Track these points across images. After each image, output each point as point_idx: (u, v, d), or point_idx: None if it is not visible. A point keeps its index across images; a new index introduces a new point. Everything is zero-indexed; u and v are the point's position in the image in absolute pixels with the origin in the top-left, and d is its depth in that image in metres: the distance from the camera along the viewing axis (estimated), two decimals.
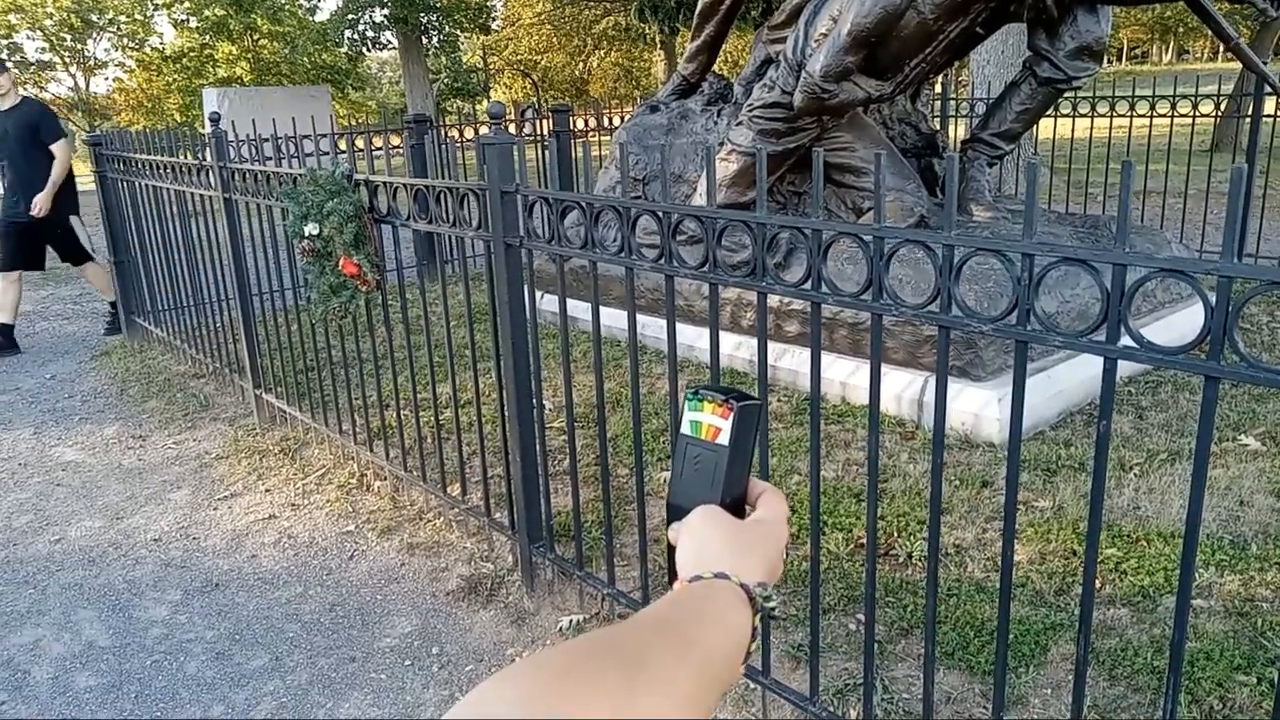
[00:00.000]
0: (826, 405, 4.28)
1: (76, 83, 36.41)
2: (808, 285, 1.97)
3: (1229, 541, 3.00)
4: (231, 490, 3.99)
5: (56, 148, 6.38)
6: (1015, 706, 2.34)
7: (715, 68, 6.22)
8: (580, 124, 8.59)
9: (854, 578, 2.92)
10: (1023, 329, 1.64)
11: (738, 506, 0.79)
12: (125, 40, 34.38)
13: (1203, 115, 6.65)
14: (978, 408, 3.87)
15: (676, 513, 0.78)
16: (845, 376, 4.33)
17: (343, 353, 3.81)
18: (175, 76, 31.60)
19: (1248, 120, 6.58)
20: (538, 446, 2.96)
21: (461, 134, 8.39)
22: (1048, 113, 5.45)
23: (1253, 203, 6.09)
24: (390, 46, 28.15)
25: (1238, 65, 5.88)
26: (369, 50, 29.55)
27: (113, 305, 6.89)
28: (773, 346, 4.46)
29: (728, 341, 4.70)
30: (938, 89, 7.61)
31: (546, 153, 8.02)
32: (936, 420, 1.82)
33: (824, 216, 1.96)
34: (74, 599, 3.21)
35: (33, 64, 33.55)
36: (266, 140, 4.35)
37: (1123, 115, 6.76)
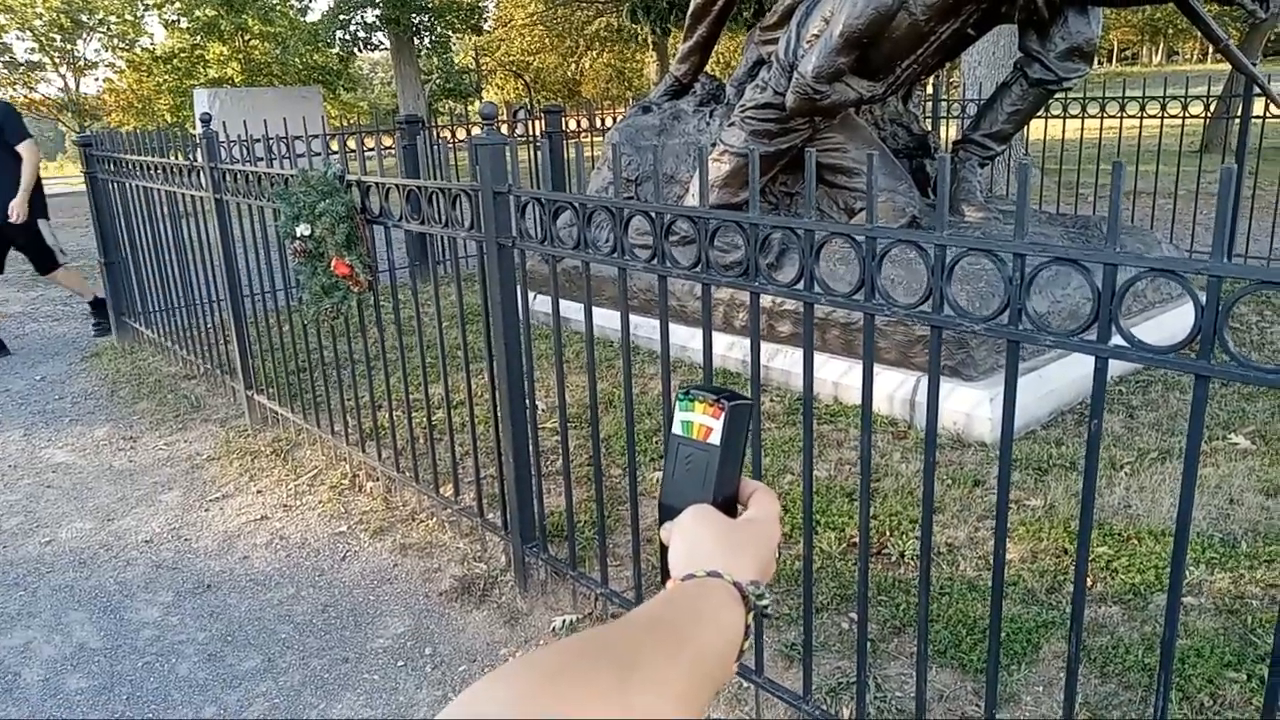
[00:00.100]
0: (819, 405, 4.29)
1: (66, 83, 36.23)
2: (800, 285, 1.97)
3: (1219, 539, 3.01)
4: (223, 491, 3.98)
5: (23, 148, 6.16)
6: (1007, 704, 2.35)
7: (707, 69, 6.23)
8: (573, 125, 8.59)
9: (846, 577, 2.92)
10: (1014, 329, 1.65)
11: (730, 506, 0.79)
12: (115, 41, 34.22)
13: (1192, 116, 6.68)
14: (969, 407, 3.88)
15: (669, 512, 0.78)
16: (838, 376, 4.34)
17: (335, 354, 3.80)
18: (166, 77, 31.49)
19: (1237, 121, 6.62)
20: (530, 447, 2.96)
21: (454, 135, 8.38)
22: (1038, 114, 5.47)
23: (1242, 203, 6.12)
24: (382, 47, 28.11)
25: (1227, 67, 5.90)
26: (360, 51, 29.51)
27: (93, 304, 6.79)
28: (765, 347, 4.47)
29: (720, 342, 4.71)
30: (929, 90, 7.63)
31: (539, 153, 8.01)
32: (929, 420, 1.82)
33: (816, 217, 1.96)
34: (65, 601, 3.20)
35: (22, 64, 33.36)
36: (258, 141, 4.34)
37: (1113, 116, 6.78)
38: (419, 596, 3.10)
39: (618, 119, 7.26)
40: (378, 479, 3.82)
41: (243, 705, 2.61)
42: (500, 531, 3.16)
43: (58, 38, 33.47)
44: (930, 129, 6.48)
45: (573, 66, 39.24)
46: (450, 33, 29.00)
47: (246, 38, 30.47)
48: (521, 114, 9.07)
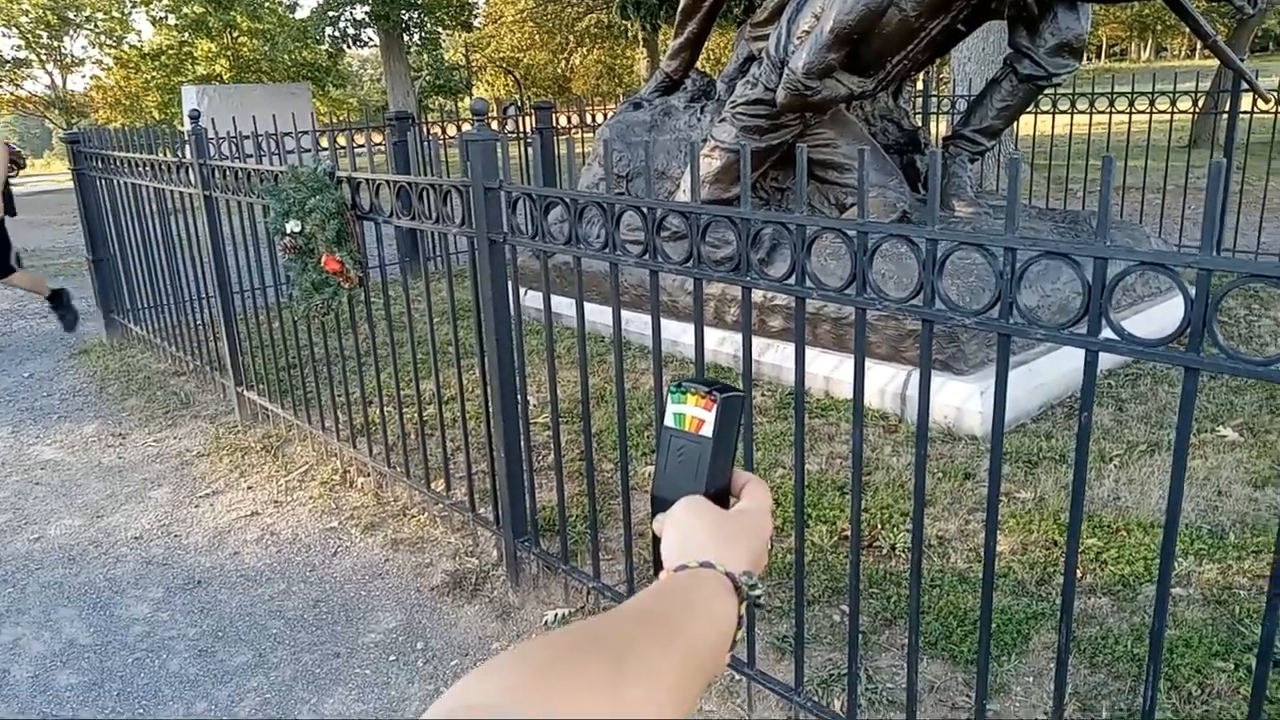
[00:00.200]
0: (810, 399, 4.30)
1: (53, 80, 36.02)
2: (792, 280, 1.98)
3: (1207, 531, 3.03)
4: (213, 488, 3.96)
5: None
6: (997, 695, 2.36)
7: (698, 65, 6.23)
8: (563, 121, 8.58)
9: (838, 569, 2.93)
10: (1005, 322, 1.65)
11: (722, 497, 0.79)
12: (103, 37, 34.03)
13: (1180, 112, 6.71)
14: (960, 401, 3.89)
15: (661, 504, 0.79)
16: (829, 371, 4.35)
17: (325, 350, 3.79)
18: (153, 74, 31.35)
19: (1225, 116, 6.65)
20: (522, 442, 2.96)
21: (444, 131, 8.36)
22: (1028, 109, 5.49)
23: (1230, 197, 6.15)
24: (371, 44, 28.02)
25: (1215, 62, 5.93)
26: (350, 47, 29.41)
27: (50, 299, 6.65)
28: (756, 341, 4.47)
29: (711, 337, 4.71)
30: (919, 85, 7.64)
31: (529, 150, 8.00)
32: (920, 413, 1.83)
33: (807, 212, 1.96)
34: (54, 597, 3.19)
35: (8, 61, 33.14)
36: (247, 138, 4.33)
37: (1102, 112, 6.81)
38: (410, 591, 3.09)
39: (608, 115, 7.25)
40: (369, 474, 3.81)
41: (234, 700, 2.61)
42: (492, 526, 3.16)
43: (44, 34, 33.27)
44: (920, 124, 6.49)
45: (563, 63, 39.18)
46: (440, 29, 28.93)
47: (235, 34, 30.34)
48: (512, 110, 9.06)
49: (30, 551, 3.52)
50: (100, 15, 33.19)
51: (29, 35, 32.81)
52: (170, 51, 31.00)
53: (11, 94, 33.68)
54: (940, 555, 3.00)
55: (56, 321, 6.76)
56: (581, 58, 39.15)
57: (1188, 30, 5.13)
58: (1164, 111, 6.62)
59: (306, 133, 6.49)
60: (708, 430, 0.79)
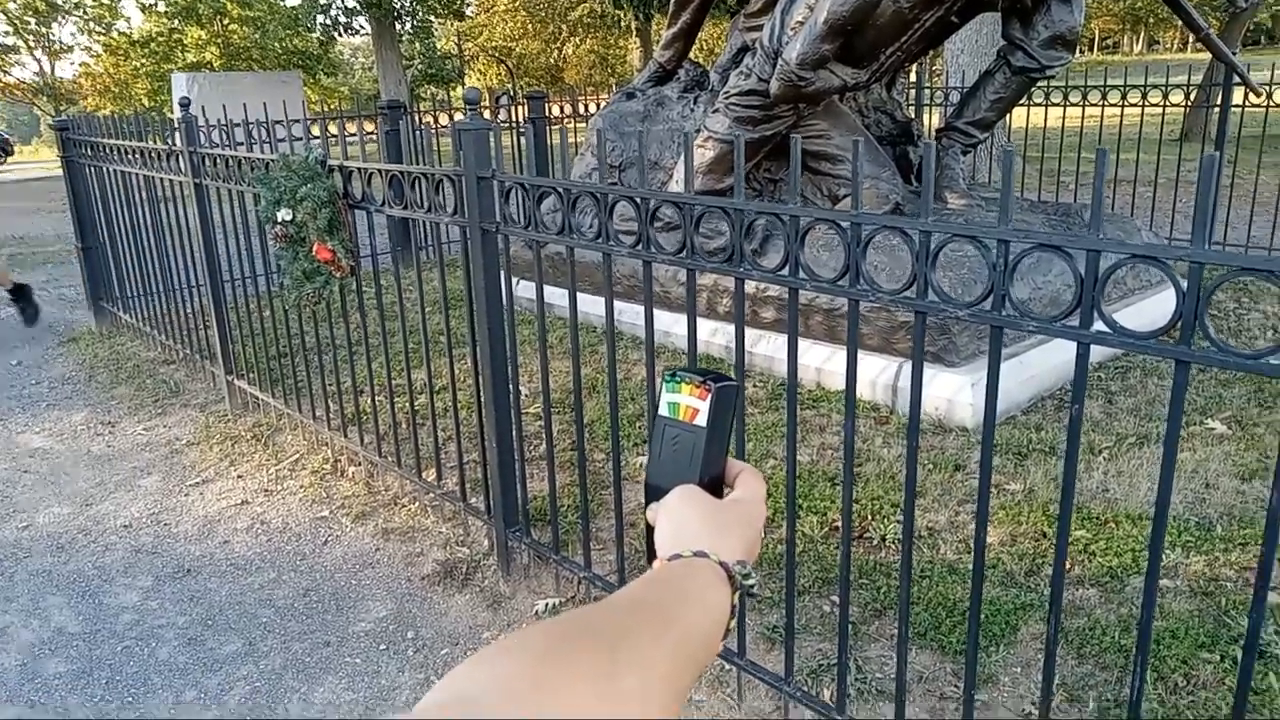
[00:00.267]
0: (802, 391, 4.31)
1: (41, 67, 35.75)
2: (785, 271, 1.98)
3: (1195, 523, 3.05)
4: (203, 476, 3.95)
5: None
6: (985, 685, 2.38)
7: (691, 55, 6.21)
8: (555, 111, 8.55)
9: (828, 560, 2.94)
10: (998, 314, 1.66)
11: (716, 486, 0.79)
12: (91, 24, 33.77)
13: (1173, 105, 6.73)
14: (951, 393, 3.90)
15: (655, 493, 0.79)
16: (820, 362, 4.36)
17: (316, 339, 3.78)
18: (143, 61, 31.11)
19: (1217, 110, 6.67)
20: (514, 431, 2.96)
21: (436, 120, 8.33)
22: (1020, 102, 5.49)
23: (1220, 191, 6.17)
24: (363, 32, 27.88)
25: (1207, 56, 5.94)
26: (341, 35, 29.28)
27: (11, 292, 6.57)
28: (749, 333, 4.47)
29: (703, 328, 4.71)
30: (912, 77, 7.64)
31: (522, 139, 7.98)
32: (912, 405, 1.83)
33: (800, 203, 1.96)
34: (42, 585, 3.18)
35: None
36: (238, 126, 4.30)
37: (1094, 105, 6.82)
38: (401, 580, 3.09)
39: (601, 106, 7.23)
40: (360, 464, 3.81)
41: (223, 689, 2.60)
42: (483, 516, 3.16)
43: (32, 20, 33.00)
44: (913, 116, 6.49)
45: (555, 53, 39.04)
46: (432, 17, 28.80)
47: (225, 21, 30.13)
48: (504, 100, 9.02)
49: (19, 539, 3.51)
50: (89, 1, 32.94)
51: (17, 21, 32.54)
52: (160, 38, 30.76)
53: None
54: (930, 546, 3.01)
55: (17, 314, 6.63)
56: (574, 47, 39.02)
57: (1180, 23, 5.13)
58: (1156, 105, 6.63)
59: (298, 121, 6.45)
60: (702, 419, 0.78)
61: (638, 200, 2.24)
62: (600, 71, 38.59)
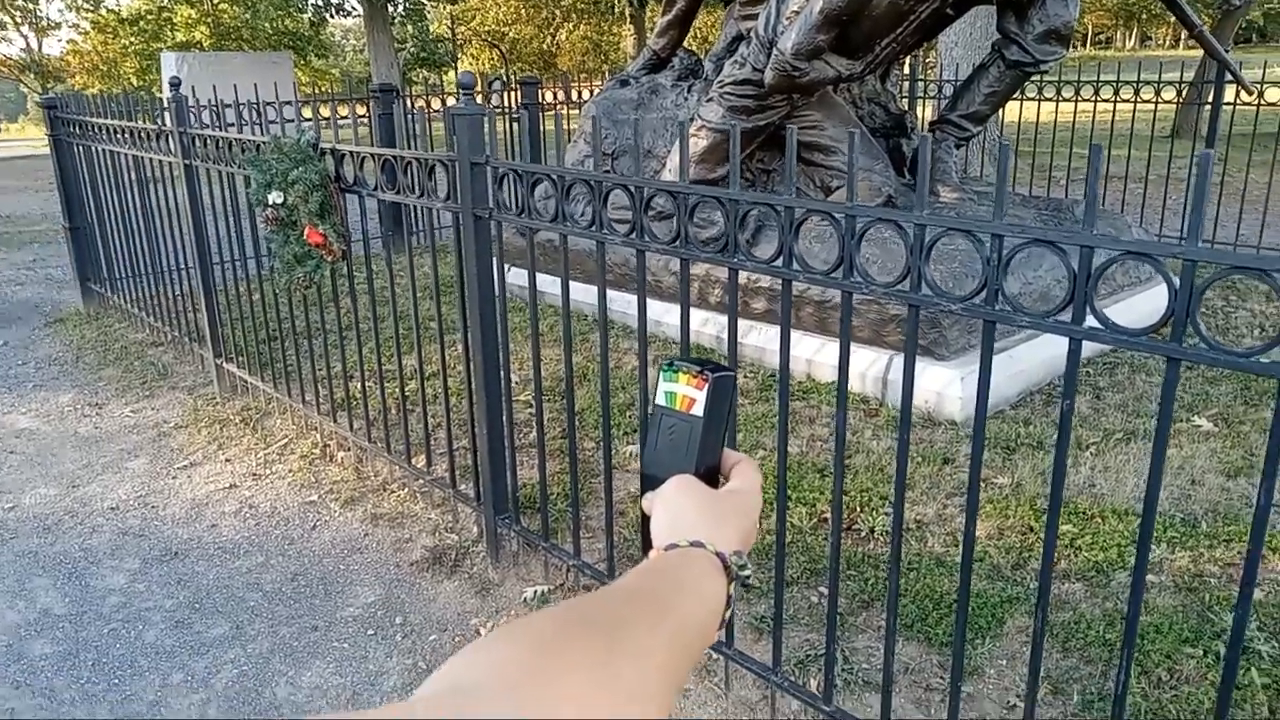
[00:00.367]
0: (792, 382, 4.31)
1: (28, 44, 35.34)
2: (779, 262, 1.98)
3: (1180, 519, 3.07)
4: (191, 459, 3.94)
5: None
6: (971, 677, 2.39)
7: (685, 43, 6.19)
8: (549, 97, 8.51)
9: (816, 551, 2.95)
10: (991, 309, 1.66)
11: (712, 476, 0.79)
12: (79, 1, 33.39)
13: (1165, 102, 6.74)
14: (941, 386, 3.92)
15: (651, 483, 0.78)
16: (811, 354, 4.36)
17: (306, 323, 3.76)
18: (132, 40, 30.79)
19: (1208, 107, 6.69)
20: (504, 419, 2.96)
21: (429, 104, 8.28)
22: (1013, 96, 5.50)
23: (1210, 189, 6.20)
24: (354, 13, 27.67)
25: (1199, 53, 5.96)
26: (332, 17, 29.07)
27: None
28: (740, 323, 4.47)
29: (694, 317, 4.70)
30: (905, 70, 7.64)
31: (515, 125, 7.95)
32: (904, 398, 1.84)
33: (794, 194, 1.96)
34: (28, 566, 3.16)
35: None
36: (228, 106, 4.27)
37: (1086, 100, 6.83)
38: (390, 566, 3.09)
39: (594, 92, 7.21)
40: (349, 449, 3.80)
41: (211, 672, 2.60)
42: (472, 503, 3.16)
43: None
44: (906, 109, 6.49)
45: (549, 38, 38.85)
46: (425, 0, 28.58)
47: (215, 1, 29.84)
48: (497, 85, 8.97)
49: (4, 520, 3.49)
50: None
51: None
52: (149, 17, 30.45)
53: None
54: (918, 539, 3.03)
55: None
56: (568, 33, 38.83)
57: (1173, 20, 5.14)
58: (1148, 101, 6.65)
59: (289, 103, 6.42)
60: (699, 409, 0.78)
61: (632, 189, 2.23)
62: (594, 58, 38.43)
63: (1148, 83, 6.62)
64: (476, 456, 3.04)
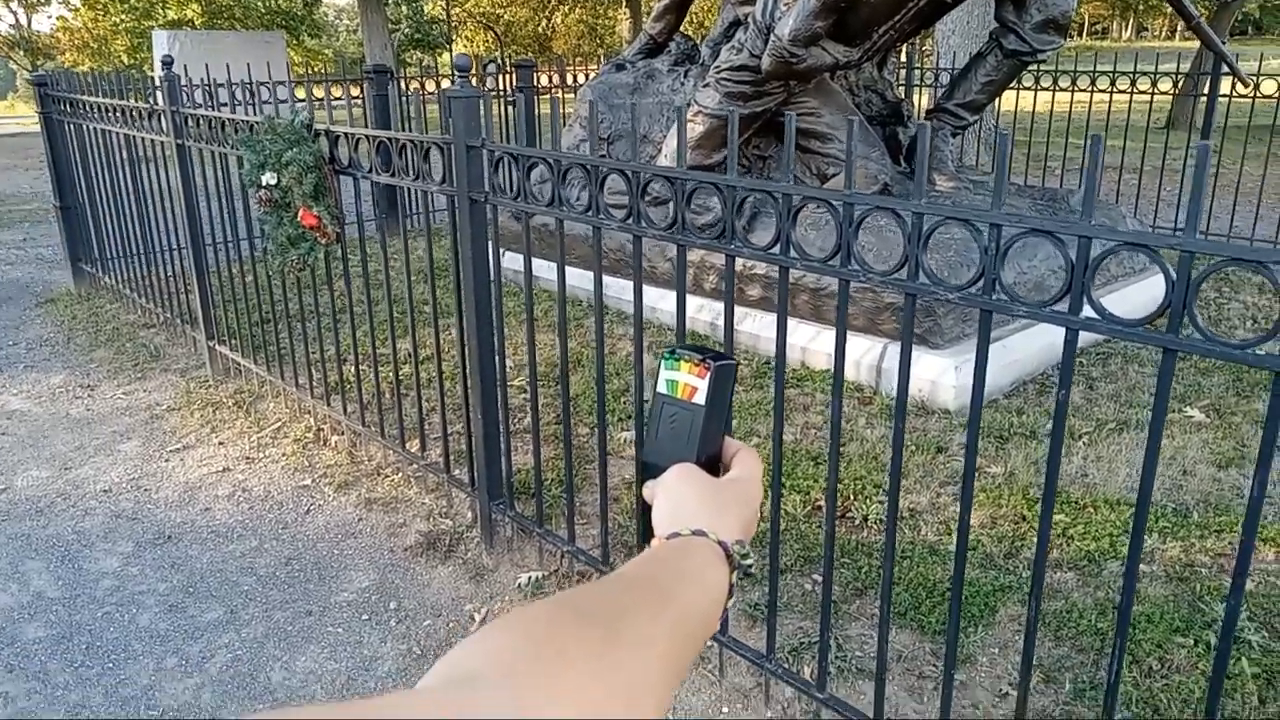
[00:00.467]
0: (786, 370, 4.31)
1: (17, 20, 35.03)
2: (776, 249, 1.97)
3: (1172, 509, 3.09)
4: (184, 442, 3.93)
5: None
6: (964, 665, 2.40)
7: (682, 28, 6.16)
8: (544, 81, 8.47)
9: (810, 539, 2.96)
10: (988, 298, 1.66)
11: (713, 465, 0.79)
12: None
13: (1161, 93, 6.74)
14: (935, 375, 3.92)
15: (652, 471, 0.78)
16: (806, 341, 4.36)
17: (300, 306, 3.75)
18: (122, 17, 30.50)
19: (1204, 99, 6.68)
20: (499, 404, 2.95)
21: (423, 86, 8.24)
22: (1010, 85, 5.49)
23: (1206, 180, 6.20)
24: None
25: (1195, 44, 5.96)
26: None
27: None
28: (735, 310, 4.48)
29: (690, 304, 4.70)
30: (902, 57, 7.61)
31: (509, 108, 7.91)
32: (900, 387, 1.84)
33: (791, 181, 1.95)
34: (21, 549, 3.15)
35: None
36: (221, 86, 4.24)
37: (1083, 90, 6.82)
38: (384, 551, 3.09)
39: (590, 76, 7.17)
40: (343, 433, 3.79)
41: (205, 656, 2.60)
42: (467, 488, 3.16)
43: None
44: (903, 97, 6.48)
45: (544, 21, 38.62)
46: None
47: None
48: (492, 68, 8.92)
49: None
50: None
51: None
52: None
53: None
54: (911, 527, 3.04)
55: None
56: (563, 16, 38.63)
57: (1169, 11, 5.14)
58: (1144, 92, 6.64)
59: (283, 83, 6.38)
60: (700, 398, 0.78)
61: (629, 174, 2.22)
62: (589, 42, 38.24)
63: (1144, 73, 6.61)
64: (471, 441, 3.04)
